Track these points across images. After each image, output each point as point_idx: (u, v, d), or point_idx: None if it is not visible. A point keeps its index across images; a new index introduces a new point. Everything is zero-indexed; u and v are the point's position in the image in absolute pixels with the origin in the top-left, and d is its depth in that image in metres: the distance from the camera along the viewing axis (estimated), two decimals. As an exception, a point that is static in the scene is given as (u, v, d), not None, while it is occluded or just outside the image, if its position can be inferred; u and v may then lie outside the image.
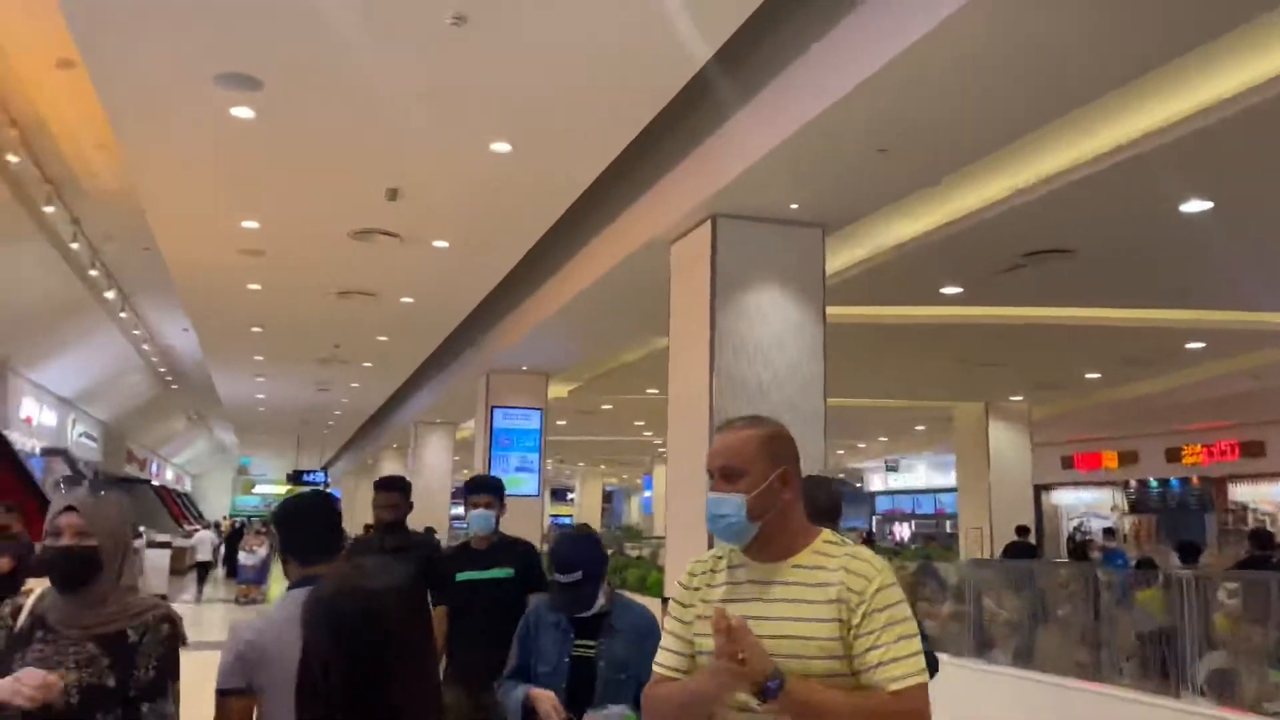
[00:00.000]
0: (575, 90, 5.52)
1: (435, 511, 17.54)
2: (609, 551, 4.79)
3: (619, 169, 6.76)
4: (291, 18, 4.77)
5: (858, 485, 31.82)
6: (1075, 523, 22.61)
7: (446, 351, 13.91)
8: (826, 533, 1.98)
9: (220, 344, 13.90)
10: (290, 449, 31.09)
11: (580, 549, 3.05)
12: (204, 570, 18.90)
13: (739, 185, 5.88)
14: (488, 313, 11.35)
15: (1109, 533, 17.79)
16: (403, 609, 1.51)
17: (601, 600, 3.04)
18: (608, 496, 41.65)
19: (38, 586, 2.37)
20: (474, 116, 5.90)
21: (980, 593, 7.42)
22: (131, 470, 25.25)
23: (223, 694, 2.26)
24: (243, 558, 17.74)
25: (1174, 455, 19.70)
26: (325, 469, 34.24)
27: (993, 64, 4.39)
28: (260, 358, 14.74)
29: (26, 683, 2.06)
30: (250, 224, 8.10)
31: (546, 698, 2.91)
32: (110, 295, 13.36)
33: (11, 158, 8.34)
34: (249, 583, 17.42)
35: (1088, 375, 13.72)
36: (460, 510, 5.14)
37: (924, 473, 29.35)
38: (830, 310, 6.65)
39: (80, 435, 19.44)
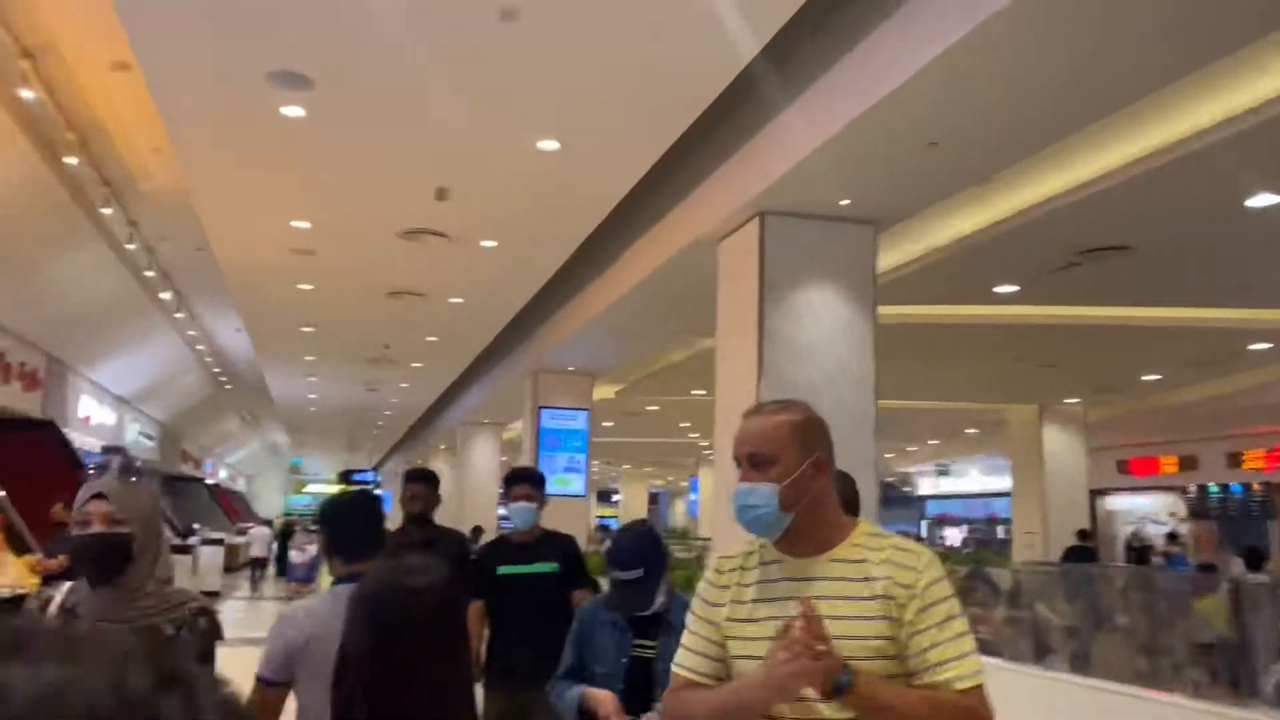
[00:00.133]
0: (623, 87, 5.48)
1: (482, 511, 17.63)
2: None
3: (666, 166, 6.71)
4: (341, 15, 4.79)
5: (906, 489, 31.45)
6: (1131, 528, 22.13)
7: (494, 352, 13.97)
8: (865, 523, 1.86)
9: (272, 344, 14.09)
10: (341, 449, 31.50)
11: (641, 545, 2.96)
12: (259, 566, 19.27)
13: (788, 181, 5.80)
14: (534, 313, 11.37)
15: (1172, 538, 17.38)
16: (440, 608, 1.51)
17: (661, 598, 2.94)
18: (653, 499, 41.59)
19: None
20: (521, 114, 5.89)
21: (1035, 598, 7.26)
22: (187, 469, 25.74)
23: (265, 683, 2.27)
24: (293, 556, 17.98)
25: (1235, 460, 19.17)
26: (376, 469, 34.64)
27: (1048, 55, 4.28)
28: (311, 358, 14.92)
29: None
30: (301, 224, 8.18)
31: (607, 699, 2.81)
32: (165, 296, 13.62)
33: (70, 161, 8.51)
34: (299, 581, 17.65)
35: (1146, 377, 13.40)
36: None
37: (976, 477, 28.91)
38: (880, 310, 6.55)
39: (138, 434, 19.85)
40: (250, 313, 12.17)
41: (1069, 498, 15.60)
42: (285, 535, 21.92)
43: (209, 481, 27.86)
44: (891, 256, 7.43)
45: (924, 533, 28.81)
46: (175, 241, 11.42)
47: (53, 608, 2.17)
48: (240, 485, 42.25)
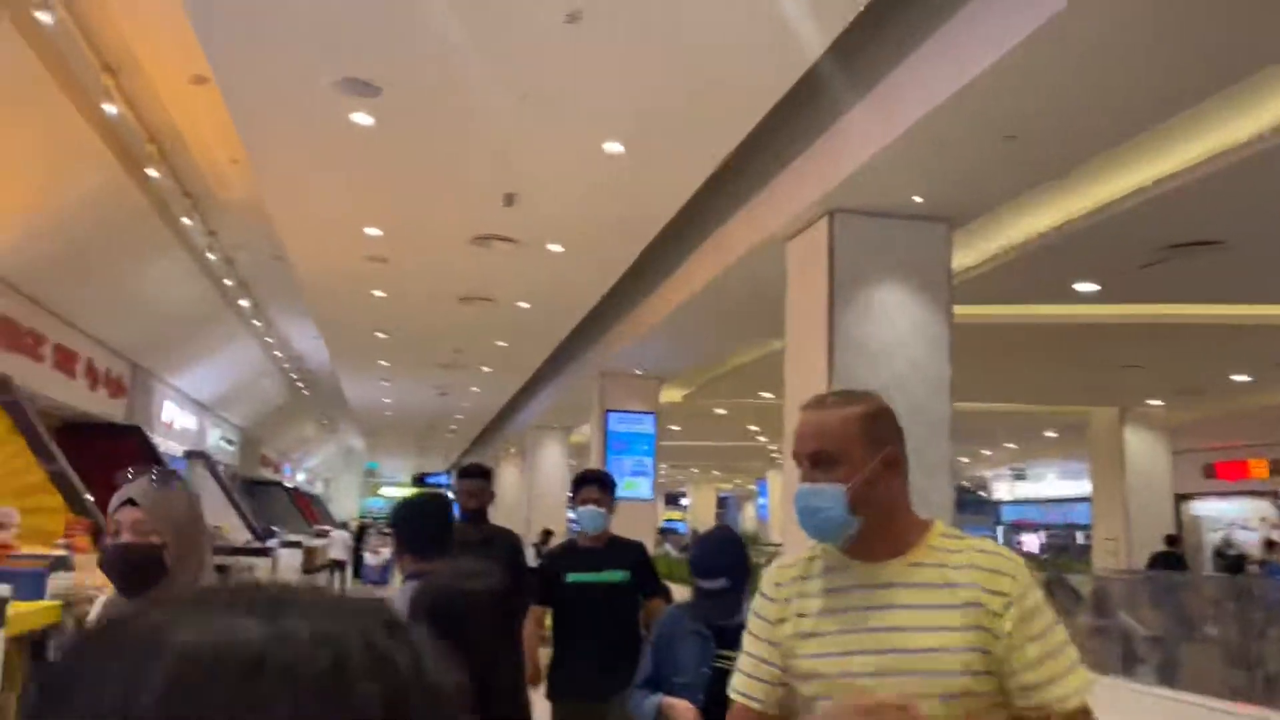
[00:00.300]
0: (688, 87, 5.43)
1: (551, 513, 17.73)
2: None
3: (732, 166, 6.65)
4: (408, 21, 4.83)
5: (980, 493, 30.82)
6: (1219, 535, 21.34)
7: (561, 356, 14.03)
8: (940, 524, 1.68)
9: (347, 350, 14.35)
10: (415, 452, 31.97)
11: (725, 553, 2.88)
12: (339, 568, 19.73)
13: (858, 178, 5.68)
14: (601, 316, 11.38)
15: (1270, 545, 16.72)
16: (494, 611, 1.51)
17: (746, 608, 2.89)
18: (721, 503, 41.39)
19: None
20: (586, 117, 5.88)
21: (1119, 606, 7.02)
22: (266, 473, 26.36)
23: None
24: (368, 558, 18.28)
25: (1330, 464, 18.38)
26: (449, 472, 35.11)
27: (1133, 41, 4.11)
28: (385, 363, 15.15)
29: None
30: (374, 231, 8.30)
31: (686, 710, 2.75)
32: (244, 304, 13.96)
33: (151, 173, 8.75)
34: (373, 583, 17.93)
35: (1235, 378, 12.89)
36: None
37: (1053, 481, 28.20)
38: (955, 309, 6.38)
39: (219, 439, 20.38)
40: (326, 320, 12.41)
41: (1152, 503, 15.13)
42: (360, 538, 22.33)
43: (287, 485, 28.51)
44: (966, 255, 7.25)
45: (1000, 538, 28.18)
46: (253, 250, 11.69)
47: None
48: (319, 489, 43.16)
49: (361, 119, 5.95)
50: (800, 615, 1.66)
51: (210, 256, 11.38)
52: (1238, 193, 5.91)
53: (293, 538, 18.37)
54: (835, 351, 6.10)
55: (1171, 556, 12.89)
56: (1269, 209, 6.32)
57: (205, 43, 5.27)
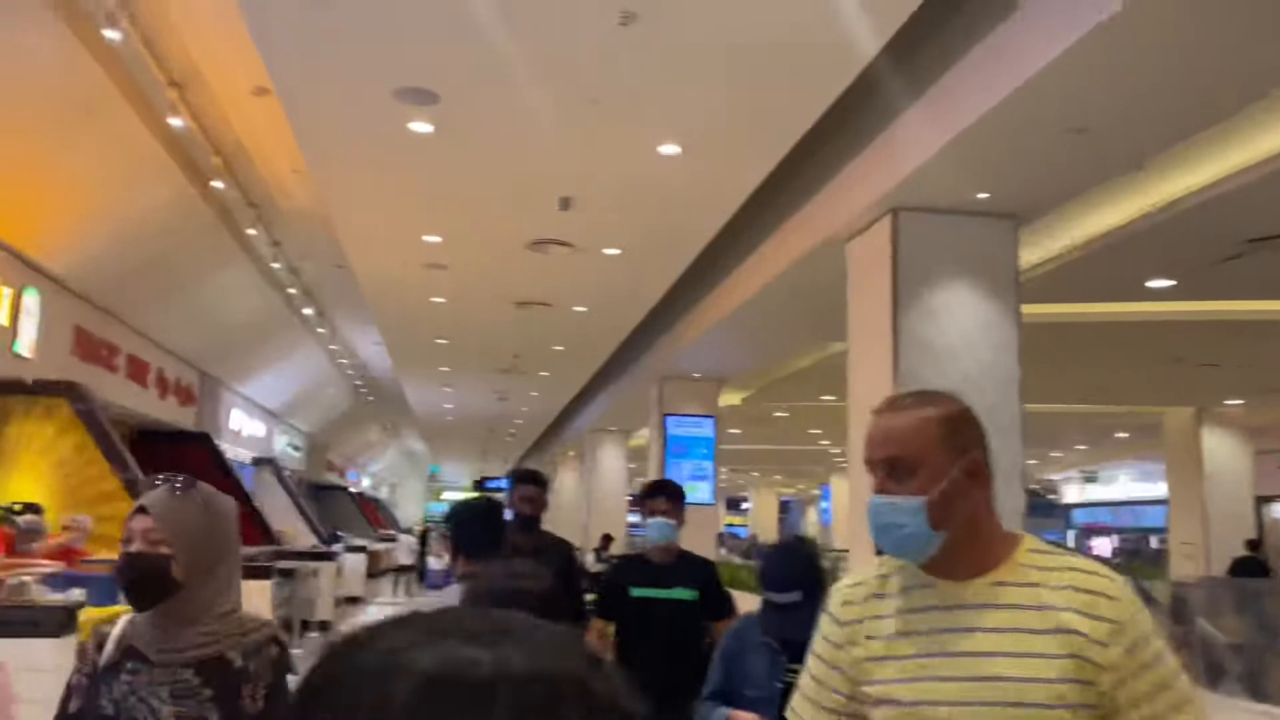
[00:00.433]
0: (744, 88, 5.36)
1: (610, 517, 17.72)
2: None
3: (790, 167, 6.55)
4: (464, 28, 4.83)
5: (1050, 496, 30.13)
6: (1304, 538, 20.56)
7: (619, 360, 14.01)
8: (1029, 538, 1.51)
9: (409, 356, 14.50)
10: (476, 457, 32.25)
11: (798, 565, 2.79)
12: (406, 572, 20.01)
13: (921, 175, 5.55)
14: (659, 320, 11.33)
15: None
16: (542, 612, 1.47)
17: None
18: (784, 507, 41.06)
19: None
20: (642, 119, 5.84)
21: (1199, 613, 6.76)
22: (331, 478, 26.80)
23: None
24: (430, 562, 18.45)
25: None
26: (509, 476, 35.31)
27: (1207, 27, 3.94)
28: (446, 368, 15.29)
29: None
30: (433, 238, 8.35)
31: None
32: (308, 312, 14.19)
33: (216, 184, 8.92)
34: (435, 588, 18.10)
35: (1319, 376, 12.41)
36: (636, 518, 4.98)
37: (1125, 483, 27.45)
38: (1023, 308, 6.21)
39: (286, 445, 20.76)
40: (388, 326, 12.55)
41: (1232, 506, 14.61)
42: (424, 542, 22.56)
43: (352, 490, 28.95)
44: (1035, 252, 7.06)
45: (1071, 543, 27.50)
46: (316, 259, 11.88)
47: (109, 645, 1.92)
48: (383, 493, 43.76)
49: (420, 127, 5.98)
50: (870, 637, 1.52)
51: (275, 266, 11.59)
52: (1322, 183, 5.65)
53: (358, 542, 18.63)
54: (900, 353, 5.96)
55: (1253, 562, 12.43)
56: (1357, 199, 6.05)
57: (265, 55, 5.34)
